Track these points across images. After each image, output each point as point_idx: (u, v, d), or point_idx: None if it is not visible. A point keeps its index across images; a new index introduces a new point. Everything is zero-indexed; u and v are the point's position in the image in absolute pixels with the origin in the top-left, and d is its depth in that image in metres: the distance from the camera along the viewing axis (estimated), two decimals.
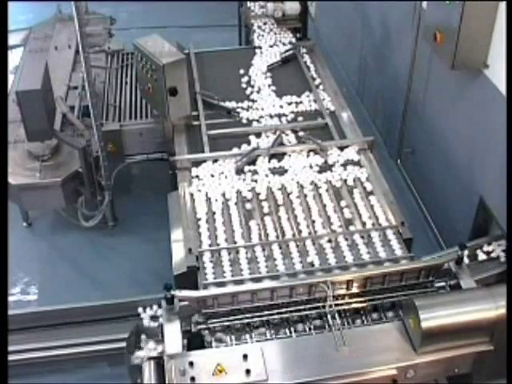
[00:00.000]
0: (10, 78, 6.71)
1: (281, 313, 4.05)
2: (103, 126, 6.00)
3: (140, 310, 4.36)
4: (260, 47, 7.19)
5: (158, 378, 3.70)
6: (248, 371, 3.56)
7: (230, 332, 3.99)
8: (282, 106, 6.19)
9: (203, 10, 10.71)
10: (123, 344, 4.00)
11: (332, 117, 6.03)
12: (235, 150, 5.51)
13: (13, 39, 7.54)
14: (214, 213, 4.91)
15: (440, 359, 3.77)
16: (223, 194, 5.07)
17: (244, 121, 6.03)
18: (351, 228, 4.73)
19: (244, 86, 6.52)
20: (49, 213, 6.78)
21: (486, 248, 4.82)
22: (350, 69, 8.98)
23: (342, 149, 5.54)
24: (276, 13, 7.54)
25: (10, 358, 4.20)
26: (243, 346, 3.81)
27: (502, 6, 4.67)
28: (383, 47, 7.52)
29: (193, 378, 3.52)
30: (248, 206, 4.97)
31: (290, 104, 6.24)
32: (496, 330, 3.73)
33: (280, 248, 4.56)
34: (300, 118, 6.03)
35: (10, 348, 4.15)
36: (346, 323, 4.03)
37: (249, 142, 5.66)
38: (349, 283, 4.12)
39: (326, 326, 3.94)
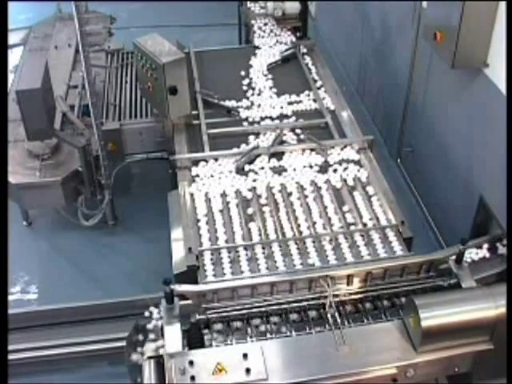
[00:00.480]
0: (10, 77, 6.73)
1: (281, 308, 4.04)
2: (103, 125, 6.00)
3: (151, 309, 4.10)
4: (260, 47, 7.19)
5: (158, 377, 3.68)
6: (248, 370, 3.55)
7: (230, 331, 3.98)
8: (282, 107, 6.18)
9: (203, 9, 10.72)
10: (123, 343, 3.99)
11: (332, 116, 6.03)
12: (235, 149, 5.52)
13: (13, 38, 7.56)
14: (213, 212, 4.91)
15: (440, 358, 3.76)
16: (223, 193, 5.07)
17: (244, 120, 6.03)
18: (351, 227, 4.73)
19: (245, 87, 6.51)
20: (49, 212, 6.78)
21: (485, 247, 4.81)
22: (350, 68, 8.98)
23: (342, 148, 5.54)
24: (276, 12, 7.55)
25: (10, 356, 4.22)
26: (243, 345, 3.80)
27: (502, 5, 4.67)
28: (383, 46, 7.52)
29: (193, 377, 3.51)
30: (248, 205, 4.97)
31: (290, 103, 6.24)
32: (496, 329, 3.72)
33: (280, 247, 4.56)
34: (300, 118, 6.03)
35: (10, 347, 4.16)
36: (346, 322, 4.02)
37: (248, 141, 5.66)
38: (349, 278, 4.11)
39: (326, 325, 3.94)
